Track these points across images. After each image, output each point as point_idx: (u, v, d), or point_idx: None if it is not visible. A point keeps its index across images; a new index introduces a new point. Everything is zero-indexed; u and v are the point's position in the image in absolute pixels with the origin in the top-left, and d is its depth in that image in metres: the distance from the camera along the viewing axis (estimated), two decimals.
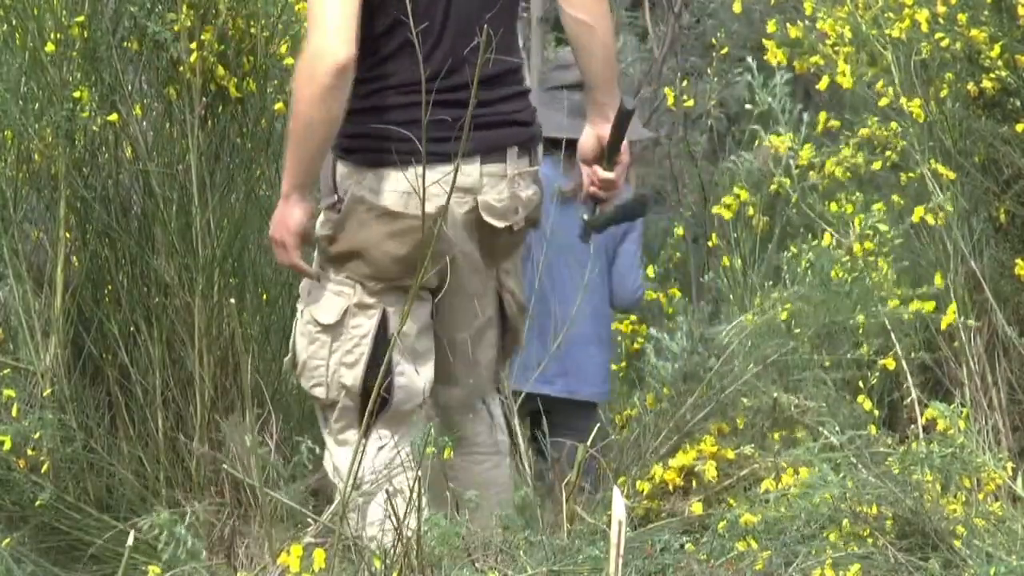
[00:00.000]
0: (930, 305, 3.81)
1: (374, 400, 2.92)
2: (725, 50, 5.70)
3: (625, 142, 3.25)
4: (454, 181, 2.87)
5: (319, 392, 3.14)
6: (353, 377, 3.12)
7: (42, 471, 3.38)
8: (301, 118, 3.02)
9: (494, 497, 3.26)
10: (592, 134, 3.23)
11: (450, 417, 3.32)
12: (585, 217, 3.31)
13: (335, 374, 3.13)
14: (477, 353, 3.28)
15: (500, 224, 3.15)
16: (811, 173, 4.12)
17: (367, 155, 3.09)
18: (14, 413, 3.34)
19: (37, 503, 3.36)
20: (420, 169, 2.85)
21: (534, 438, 3.99)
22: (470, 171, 3.10)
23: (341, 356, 3.13)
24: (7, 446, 3.31)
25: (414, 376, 3.16)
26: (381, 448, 3.12)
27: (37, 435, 3.34)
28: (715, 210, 4.26)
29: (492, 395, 3.42)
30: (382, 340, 3.11)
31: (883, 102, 4.04)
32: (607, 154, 3.22)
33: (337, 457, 3.13)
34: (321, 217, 3.15)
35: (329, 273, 3.14)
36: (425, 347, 3.18)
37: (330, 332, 3.12)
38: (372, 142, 3.08)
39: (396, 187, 3.07)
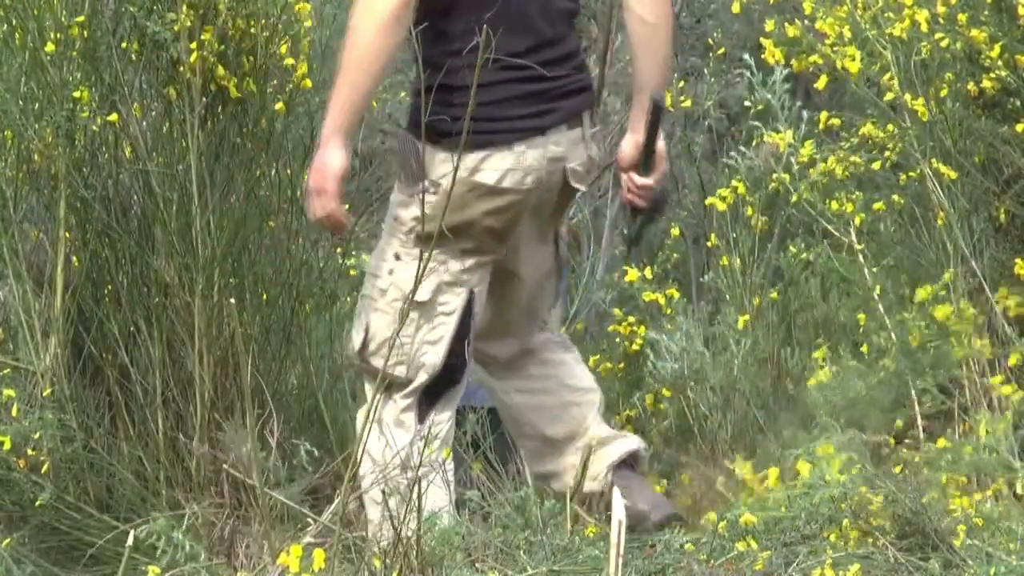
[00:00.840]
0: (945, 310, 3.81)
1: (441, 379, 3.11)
2: (722, 50, 5.70)
3: (661, 144, 3.24)
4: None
5: (399, 371, 3.14)
6: (436, 355, 3.14)
7: (42, 471, 3.38)
8: (359, 50, 3.05)
9: (586, 396, 3.34)
10: (632, 140, 3.24)
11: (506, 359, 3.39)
12: (627, 232, 3.33)
13: (417, 352, 3.14)
14: (536, 303, 3.37)
15: (582, 187, 3.22)
16: (811, 170, 4.12)
17: (471, 137, 3.02)
18: (14, 413, 3.34)
19: (37, 503, 3.36)
20: (521, 146, 3.01)
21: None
22: (559, 140, 3.15)
23: (425, 334, 3.14)
24: (7, 446, 3.30)
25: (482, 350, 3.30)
26: (436, 434, 3.15)
27: (37, 435, 3.34)
28: (709, 202, 4.27)
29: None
30: (468, 319, 3.16)
31: (888, 97, 4.04)
32: (643, 159, 3.22)
33: (393, 438, 3.12)
34: (402, 198, 3.16)
35: (416, 251, 3.13)
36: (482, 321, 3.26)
37: (419, 309, 3.12)
38: (473, 124, 3.09)
39: (499, 165, 3.10)
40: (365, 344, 3.18)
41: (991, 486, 3.27)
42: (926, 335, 3.68)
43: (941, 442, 3.25)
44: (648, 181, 3.23)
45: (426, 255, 3.05)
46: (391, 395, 3.15)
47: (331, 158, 3.07)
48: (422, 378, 3.16)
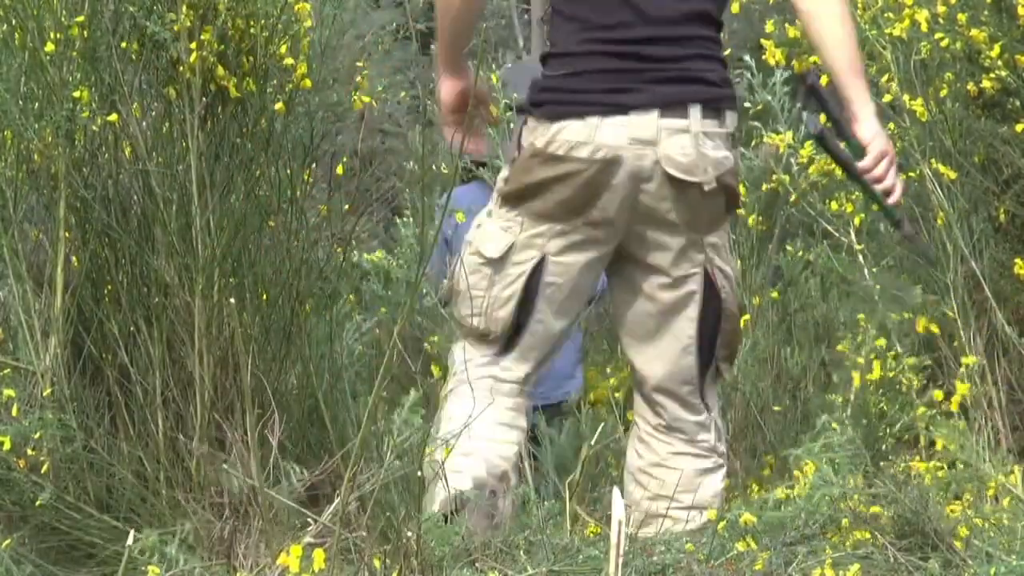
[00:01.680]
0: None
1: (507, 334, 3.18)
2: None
3: (875, 128, 3.19)
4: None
5: (477, 322, 3.26)
6: (506, 311, 3.23)
7: (42, 471, 3.38)
8: None
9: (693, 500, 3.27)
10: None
11: (651, 394, 3.33)
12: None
13: (492, 306, 3.23)
14: (670, 325, 3.26)
15: (687, 178, 3.14)
16: (811, 169, 4.12)
17: (549, 108, 3.17)
18: (14, 412, 3.34)
19: (37, 503, 3.35)
20: (595, 119, 3.05)
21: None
22: (647, 123, 3.12)
23: (499, 290, 3.23)
24: (7, 446, 3.30)
25: (551, 324, 3.25)
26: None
27: (38, 435, 3.34)
28: None
29: (709, 396, 3.33)
30: (536, 281, 3.21)
31: (887, 98, 4.04)
32: (843, 140, 3.21)
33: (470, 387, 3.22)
34: (504, 171, 3.29)
35: (502, 211, 3.25)
36: (573, 304, 3.26)
37: (493, 266, 3.23)
38: (552, 95, 3.18)
39: (569, 137, 3.13)
40: (452, 292, 3.32)
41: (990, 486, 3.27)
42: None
43: (940, 444, 3.24)
44: (865, 163, 3.20)
45: (506, 214, 3.21)
46: (475, 346, 3.28)
47: (440, 89, 3.26)
48: (496, 331, 3.25)
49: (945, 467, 3.25)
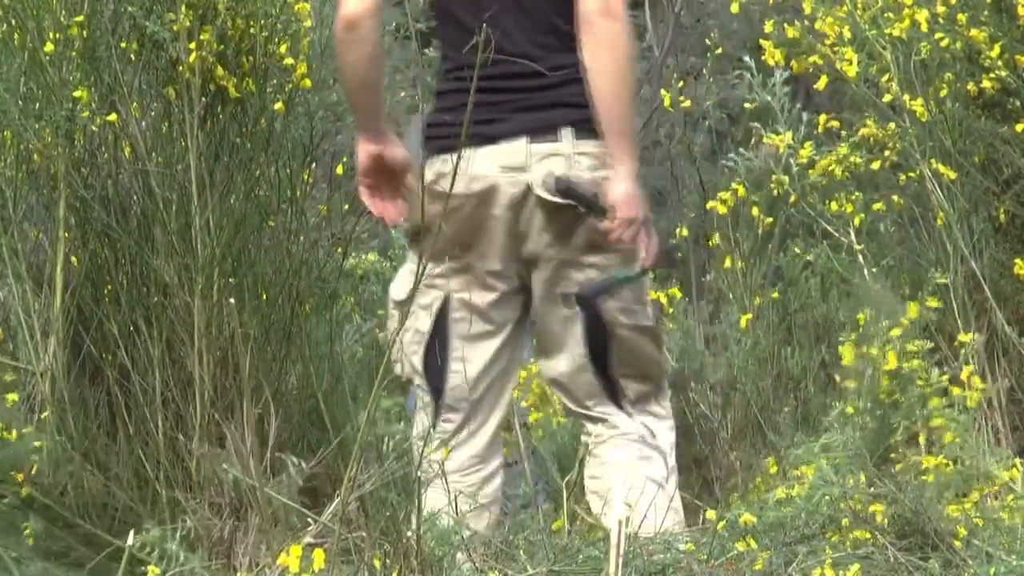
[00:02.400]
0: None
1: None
2: (720, 50, 5.70)
3: (623, 191, 3.12)
4: (455, 170, 2.89)
5: (397, 369, 3.23)
6: (419, 355, 3.20)
7: (41, 484, 3.37)
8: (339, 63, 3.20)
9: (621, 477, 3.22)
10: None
11: (571, 401, 3.31)
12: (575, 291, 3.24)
13: (407, 352, 3.21)
14: (565, 343, 3.25)
15: (559, 200, 3.14)
16: (810, 171, 4.12)
17: (430, 143, 3.19)
18: (13, 434, 3.32)
19: (35, 505, 3.35)
20: (469, 151, 3.05)
21: None
22: (516, 150, 3.15)
23: (411, 335, 3.20)
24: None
25: (472, 367, 3.21)
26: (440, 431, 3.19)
27: (38, 444, 3.33)
28: (710, 205, 4.27)
29: (631, 411, 3.30)
30: (444, 319, 3.19)
31: (887, 98, 4.04)
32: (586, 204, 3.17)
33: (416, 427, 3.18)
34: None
35: (410, 253, 3.29)
36: (489, 331, 3.22)
37: (401, 309, 3.21)
38: (430, 130, 3.20)
39: (447, 169, 3.12)
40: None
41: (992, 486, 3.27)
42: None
43: (948, 437, 3.24)
44: (606, 226, 3.12)
45: (411, 256, 3.22)
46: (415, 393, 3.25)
47: (357, 154, 3.20)
48: (415, 376, 3.21)
49: (952, 463, 3.24)
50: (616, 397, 3.27)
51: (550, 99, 3.18)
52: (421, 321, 3.21)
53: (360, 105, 3.19)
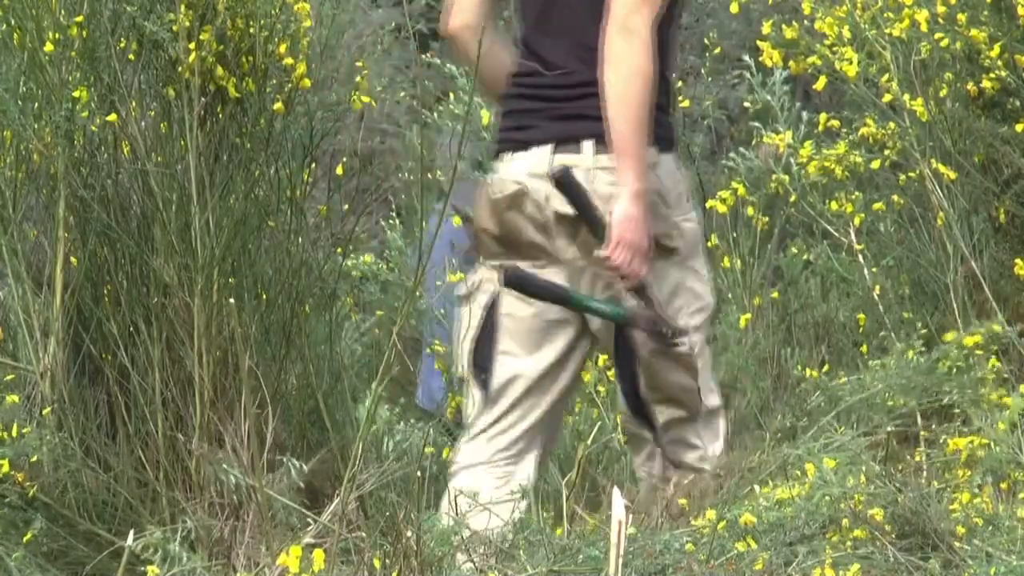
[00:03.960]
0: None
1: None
2: (718, 50, 5.69)
3: (621, 211, 3.13)
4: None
5: (455, 368, 3.32)
6: (468, 345, 3.26)
7: (34, 492, 3.37)
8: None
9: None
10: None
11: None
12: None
13: (460, 348, 3.29)
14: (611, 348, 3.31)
15: (571, 211, 3.19)
16: (810, 168, 4.12)
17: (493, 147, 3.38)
18: (14, 432, 3.31)
19: (35, 504, 3.35)
20: (509, 155, 3.23)
21: None
22: (542, 157, 3.22)
23: (464, 331, 3.26)
24: (5, 468, 3.29)
25: (522, 360, 3.23)
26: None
27: (36, 443, 3.33)
28: (710, 204, 4.26)
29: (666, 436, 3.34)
30: (494, 315, 3.24)
31: (887, 98, 4.04)
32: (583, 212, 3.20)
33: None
34: None
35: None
36: (540, 334, 3.24)
37: (461, 304, 3.31)
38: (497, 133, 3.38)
39: (495, 172, 3.29)
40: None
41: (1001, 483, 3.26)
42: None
43: (961, 442, 3.23)
44: (605, 248, 3.13)
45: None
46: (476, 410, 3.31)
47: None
48: (465, 368, 3.28)
49: (988, 444, 3.21)
50: (648, 419, 3.30)
51: (576, 110, 3.23)
52: (473, 317, 3.27)
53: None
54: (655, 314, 3.17)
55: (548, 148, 3.21)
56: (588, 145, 3.19)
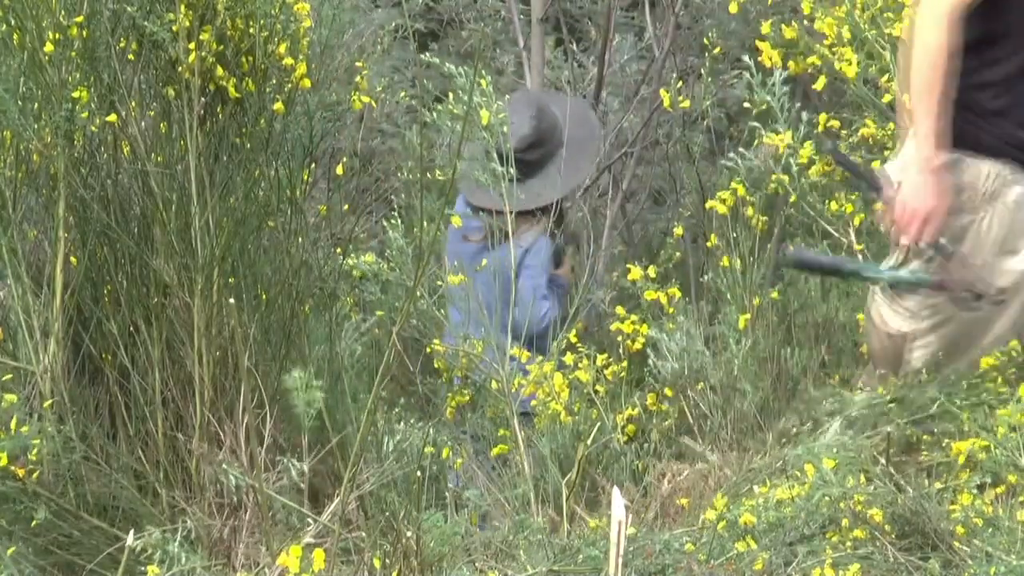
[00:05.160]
0: None
1: None
2: (718, 50, 5.70)
3: (897, 160, 3.38)
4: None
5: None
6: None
7: (35, 478, 3.37)
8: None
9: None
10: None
11: None
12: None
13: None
14: None
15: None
16: (811, 170, 4.12)
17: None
18: (12, 425, 3.32)
19: (34, 521, 3.34)
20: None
21: None
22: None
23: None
24: (3, 462, 3.29)
25: None
26: None
27: (36, 441, 3.33)
28: (709, 205, 4.26)
29: None
30: None
31: (887, 99, 4.04)
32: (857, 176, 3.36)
33: None
34: None
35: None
36: None
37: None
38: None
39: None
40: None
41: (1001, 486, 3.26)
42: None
43: (963, 445, 3.24)
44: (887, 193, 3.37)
45: None
46: None
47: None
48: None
49: (988, 446, 3.24)
50: None
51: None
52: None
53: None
54: (971, 276, 3.29)
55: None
56: None
